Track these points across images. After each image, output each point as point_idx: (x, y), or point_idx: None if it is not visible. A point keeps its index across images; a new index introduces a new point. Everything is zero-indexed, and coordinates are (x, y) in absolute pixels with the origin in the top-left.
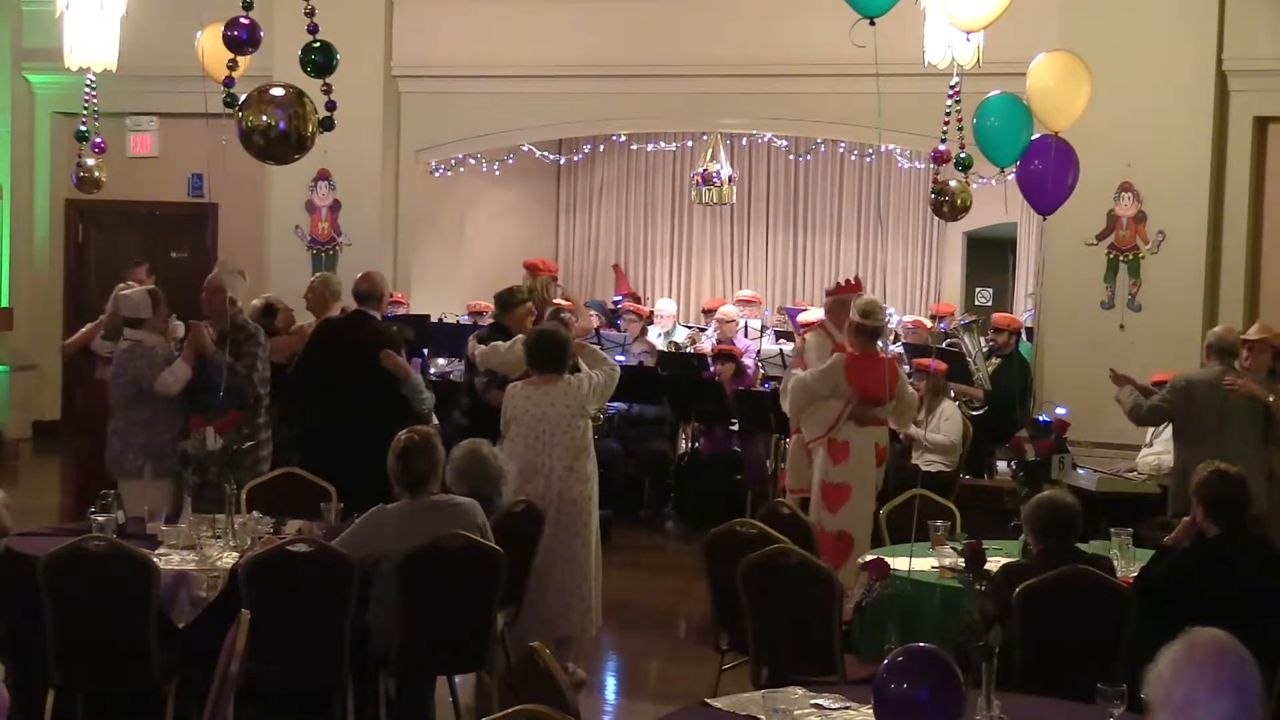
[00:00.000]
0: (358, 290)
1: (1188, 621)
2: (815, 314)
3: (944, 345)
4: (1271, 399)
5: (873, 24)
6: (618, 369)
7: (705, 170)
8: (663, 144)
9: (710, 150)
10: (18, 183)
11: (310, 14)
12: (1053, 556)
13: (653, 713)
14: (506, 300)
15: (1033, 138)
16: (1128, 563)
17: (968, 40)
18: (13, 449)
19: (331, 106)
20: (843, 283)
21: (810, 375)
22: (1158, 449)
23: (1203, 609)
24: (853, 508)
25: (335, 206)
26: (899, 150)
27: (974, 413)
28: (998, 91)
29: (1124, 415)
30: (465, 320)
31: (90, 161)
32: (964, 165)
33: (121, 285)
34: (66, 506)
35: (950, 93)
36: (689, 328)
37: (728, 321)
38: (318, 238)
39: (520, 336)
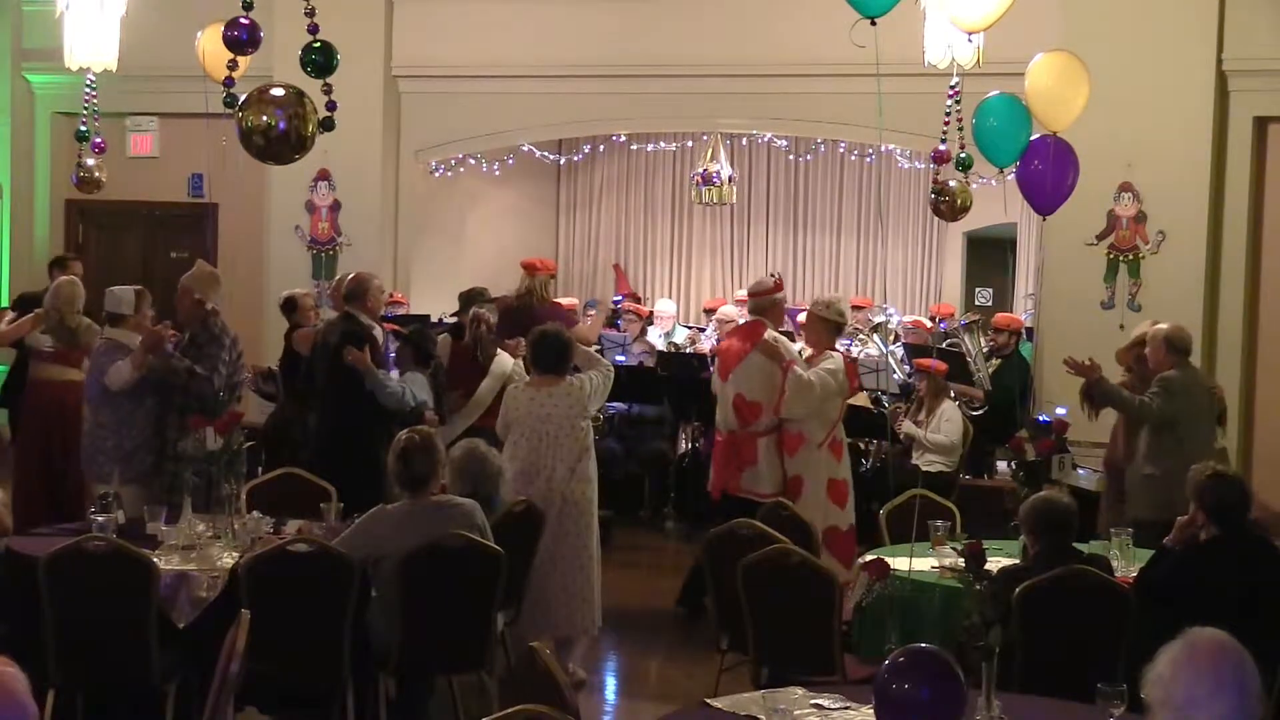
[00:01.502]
0: (346, 290)
1: (1188, 622)
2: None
3: (944, 345)
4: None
5: (873, 24)
6: (612, 369)
7: (705, 170)
8: (663, 144)
9: (710, 150)
10: (18, 183)
11: (310, 14)
12: (1049, 556)
13: (653, 713)
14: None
15: (1032, 138)
16: (1127, 562)
17: (968, 40)
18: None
19: (332, 106)
20: (776, 280)
21: (828, 374)
22: None
23: (1203, 609)
24: (852, 501)
25: (335, 206)
26: (899, 150)
27: (974, 413)
28: (997, 92)
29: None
30: None
31: (90, 161)
32: (964, 165)
33: (66, 279)
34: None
35: (950, 93)
36: (689, 328)
37: (727, 322)
38: (318, 238)
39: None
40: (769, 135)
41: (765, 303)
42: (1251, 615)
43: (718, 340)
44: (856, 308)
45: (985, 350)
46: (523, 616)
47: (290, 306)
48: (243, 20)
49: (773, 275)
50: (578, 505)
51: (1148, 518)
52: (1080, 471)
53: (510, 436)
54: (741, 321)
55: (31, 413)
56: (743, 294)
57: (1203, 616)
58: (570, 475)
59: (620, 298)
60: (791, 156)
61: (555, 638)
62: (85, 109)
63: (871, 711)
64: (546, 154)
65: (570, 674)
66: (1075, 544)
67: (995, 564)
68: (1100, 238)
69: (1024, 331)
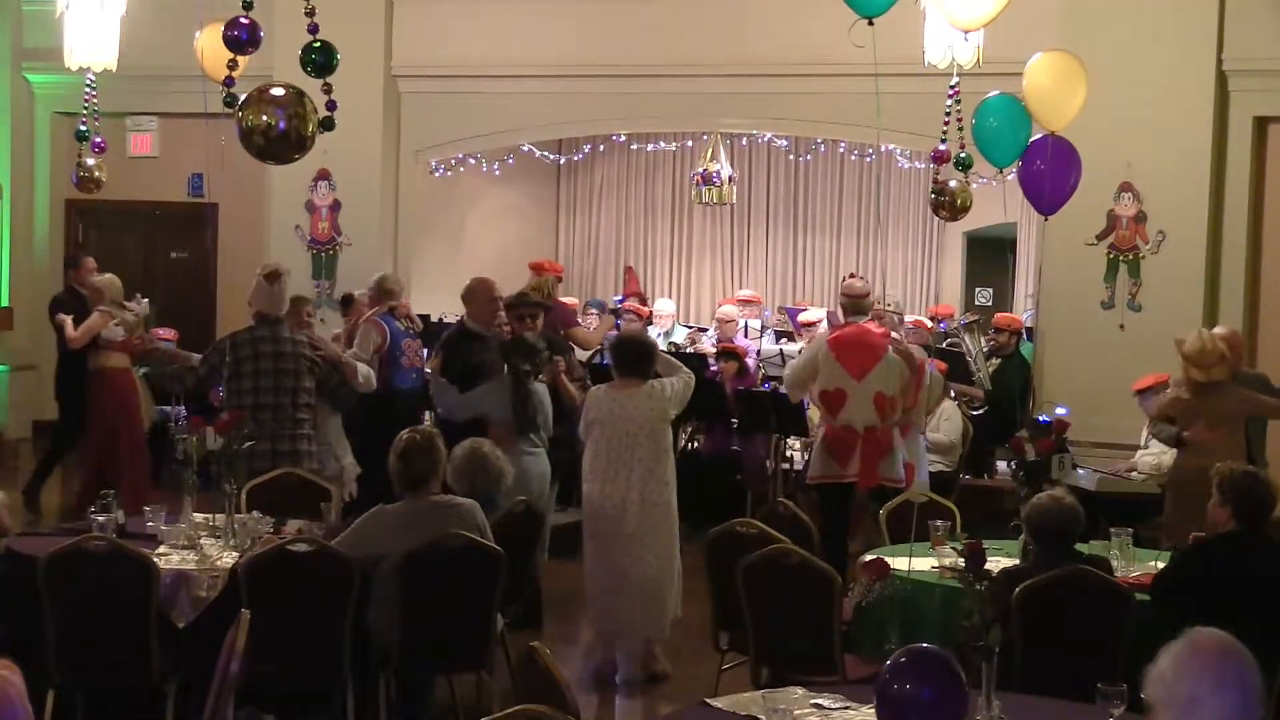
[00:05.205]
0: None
1: (1200, 614)
2: (816, 313)
3: (944, 345)
4: None
5: (871, 24)
6: (693, 376)
7: (705, 170)
8: (663, 144)
9: (710, 150)
10: (18, 183)
11: (310, 14)
12: (1051, 558)
13: (653, 713)
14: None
15: (1032, 138)
16: (1127, 563)
17: (966, 40)
18: (12, 449)
19: (332, 106)
20: (865, 282)
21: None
22: (1156, 449)
23: (1212, 601)
24: None
25: (335, 206)
26: (899, 150)
27: (974, 413)
28: (996, 92)
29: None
30: None
31: (90, 161)
32: (964, 165)
33: (109, 276)
34: (68, 507)
35: (950, 93)
36: (689, 328)
37: (728, 321)
38: (318, 238)
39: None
40: (769, 135)
41: (866, 304)
42: (1257, 613)
43: (717, 340)
44: None
45: (985, 350)
46: (599, 615)
47: (348, 303)
48: (243, 20)
49: (859, 276)
50: (659, 507)
51: None
52: (1080, 472)
53: (590, 436)
54: (823, 324)
55: (104, 399)
56: (745, 293)
57: (1213, 608)
58: (649, 476)
59: (621, 298)
60: (791, 156)
61: (643, 639)
62: (85, 109)
63: (871, 711)
64: (546, 154)
65: (659, 668)
66: (1077, 544)
67: (995, 564)
68: (1100, 237)
69: (1024, 331)
